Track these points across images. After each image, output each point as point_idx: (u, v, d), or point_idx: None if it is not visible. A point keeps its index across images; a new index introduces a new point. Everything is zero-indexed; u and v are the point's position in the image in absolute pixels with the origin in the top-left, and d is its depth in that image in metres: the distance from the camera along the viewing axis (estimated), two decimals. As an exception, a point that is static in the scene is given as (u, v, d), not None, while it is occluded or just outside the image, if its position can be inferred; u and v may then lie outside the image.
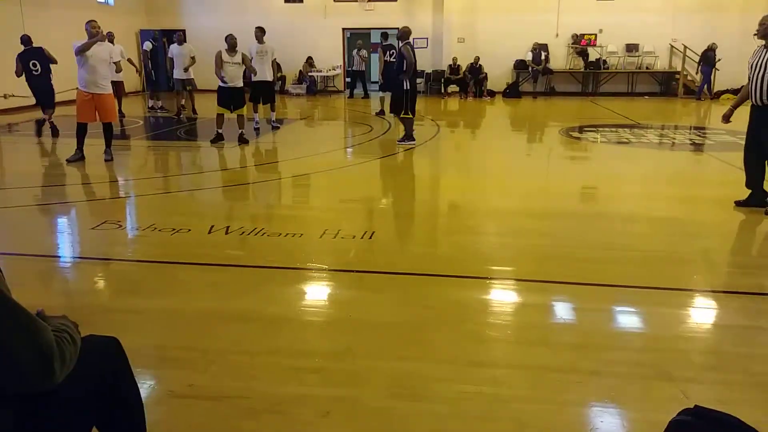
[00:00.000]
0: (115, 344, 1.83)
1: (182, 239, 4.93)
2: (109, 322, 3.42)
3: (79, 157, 7.98)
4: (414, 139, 9.63)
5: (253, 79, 10.59)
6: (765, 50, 5.54)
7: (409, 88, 9.35)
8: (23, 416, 1.45)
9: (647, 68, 18.30)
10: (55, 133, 10.35)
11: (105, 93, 7.88)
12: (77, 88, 7.91)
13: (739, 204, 5.87)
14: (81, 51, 7.57)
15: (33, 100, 10.94)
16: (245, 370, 2.85)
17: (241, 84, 9.64)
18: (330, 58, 19.49)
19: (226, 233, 5.02)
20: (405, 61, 9.13)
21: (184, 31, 14.52)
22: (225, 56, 9.46)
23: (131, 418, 1.85)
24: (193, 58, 12.66)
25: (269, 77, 10.96)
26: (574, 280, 4.04)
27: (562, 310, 3.66)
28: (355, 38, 18.55)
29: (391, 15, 18.43)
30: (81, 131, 8.02)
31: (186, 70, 12.63)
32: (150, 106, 14.33)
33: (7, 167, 8.62)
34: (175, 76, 12.75)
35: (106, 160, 8.03)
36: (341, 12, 18.47)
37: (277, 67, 11.14)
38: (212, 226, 5.20)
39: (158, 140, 10.74)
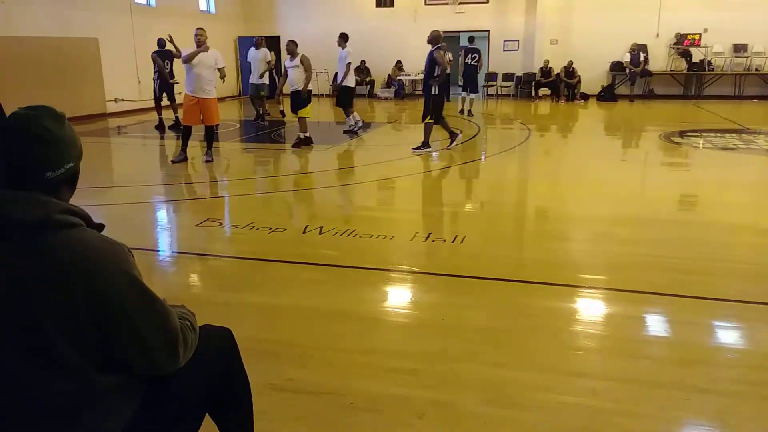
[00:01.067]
0: (229, 335, 1.92)
1: (279, 238, 5.11)
2: (211, 314, 3.56)
3: (182, 158, 8.44)
4: (430, 146, 9.19)
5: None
6: None
7: (437, 93, 9.01)
8: (146, 401, 1.55)
9: (756, 70, 17.11)
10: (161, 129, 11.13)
11: (209, 98, 8.27)
12: (184, 93, 8.36)
13: None
14: (187, 60, 8.00)
15: (143, 103, 11.73)
16: (342, 368, 2.92)
17: (299, 87, 9.60)
18: (419, 62, 19.50)
19: (320, 233, 5.15)
20: (437, 67, 8.79)
21: (264, 37, 14.12)
22: (286, 62, 9.75)
23: (241, 406, 1.94)
24: (269, 62, 12.56)
25: (350, 83, 11.03)
26: (675, 291, 3.84)
27: (663, 323, 3.49)
28: (445, 41, 18.48)
29: (483, 17, 18.27)
30: (186, 133, 8.47)
31: (261, 75, 12.42)
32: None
33: (116, 167, 9.26)
34: (250, 81, 12.74)
35: (206, 161, 8.44)
36: (431, 15, 18.50)
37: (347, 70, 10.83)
38: (306, 226, 5.35)
39: (252, 143, 11.17)
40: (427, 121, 9.10)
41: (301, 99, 9.58)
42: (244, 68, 15.40)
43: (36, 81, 11.61)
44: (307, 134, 9.72)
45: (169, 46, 10.75)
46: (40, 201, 1.37)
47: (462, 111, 14.16)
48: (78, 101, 12.50)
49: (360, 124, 11.27)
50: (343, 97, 11.03)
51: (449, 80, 9.34)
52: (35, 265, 1.34)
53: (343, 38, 10.85)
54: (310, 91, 9.81)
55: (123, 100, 14.09)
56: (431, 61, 8.86)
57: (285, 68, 9.88)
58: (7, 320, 1.34)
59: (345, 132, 11.09)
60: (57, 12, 12.60)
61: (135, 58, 14.80)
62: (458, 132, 9.53)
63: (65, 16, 12.78)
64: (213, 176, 7.97)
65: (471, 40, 14.97)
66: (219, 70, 8.21)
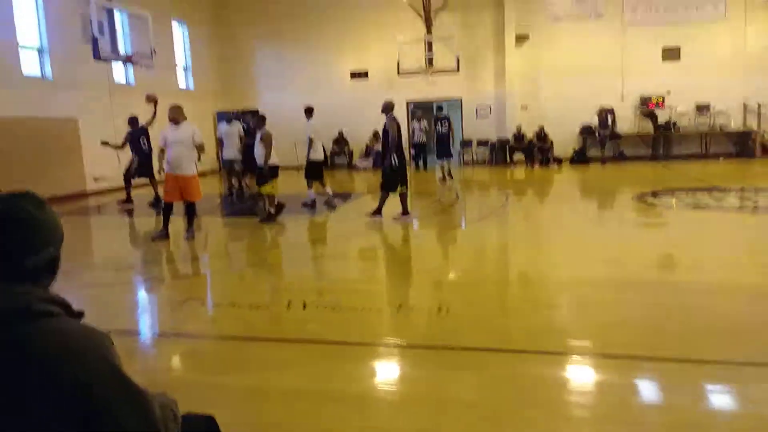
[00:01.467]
0: (212, 422, 1.86)
1: (262, 315, 5.04)
2: (194, 399, 3.47)
3: (163, 235, 8.33)
4: (380, 215, 9.11)
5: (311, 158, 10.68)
6: None
7: (397, 163, 8.91)
8: None
9: (720, 129, 17.80)
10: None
11: (188, 175, 8.21)
12: (164, 171, 8.32)
13: None
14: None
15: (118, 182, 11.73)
16: (332, 453, 2.83)
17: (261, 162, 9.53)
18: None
19: (304, 308, 5.09)
20: (389, 136, 8.78)
21: (238, 111, 14.12)
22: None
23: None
24: (241, 137, 12.42)
25: (316, 156, 10.85)
26: (661, 355, 3.84)
27: (653, 388, 3.47)
28: (418, 111, 19.03)
29: (455, 85, 18.89)
30: (167, 210, 8.37)
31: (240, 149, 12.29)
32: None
33: (96, 246, 9.15)
34: (224, 156, 12.57)
35: (186, 238, 8.33)
36: (405, 85, 19.07)
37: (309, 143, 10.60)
38: (290, 301, 5.29)
39: (233, 217, 11.16)
40: (400, 191, 9.03)
41: (263, 175, 9.46)
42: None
43: (16, 161, 11.59)
44: (272, 210, 9.55)
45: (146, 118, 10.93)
46: (18, 291, 1.35)
47: (443, 178, 14.42)
48: (58, 181, 12.47)
49: (329, 196, 10.93)
50: (308, 170, 10.89)
51: (401, 148, 9.06)
52: (14, 357, 1.29)
53: (307, 112, 10.78)
54: (275, 167, 9.61)
55: (103, 178, 14.08)
56: (384, 131, 8.93)
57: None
58: None
59: (303, 205, 10.76)
60: (37, 93, 12.75)
61: (115, 136, 14.88)
62: (380, 215, 9.20)
63: (45, 96, 12.93)
64: (194, 253, 7.91)
65: (440, 108, 15.51)
66: (197, 146, 8.19)
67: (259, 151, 9.53)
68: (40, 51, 13.32)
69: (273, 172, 9.54)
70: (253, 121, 9.86)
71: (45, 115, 12.74)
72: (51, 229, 1.45)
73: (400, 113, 19.68)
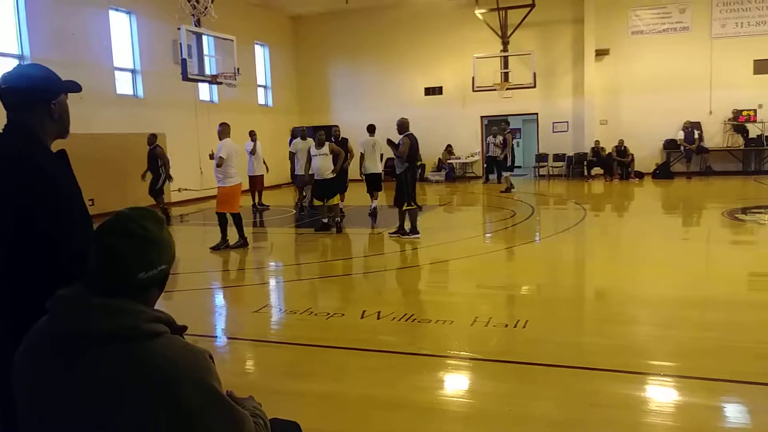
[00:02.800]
0: (298, 429, 1.90)
1: (337, 323, 5.11)
2: (271, 403, 3.56)
3: (219, 245, 8.60)
4: (406, 232, 8.99)
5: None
6: None
7: (407, 179, 8.83)
8: None
9: (816, 143, 16.61)
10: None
11: (219, 186, 8.58)
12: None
13: None
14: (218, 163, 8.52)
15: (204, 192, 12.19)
16: (405, 461, 2.82)
17: (330, 175, 9.80)
18: (468, 145, 19.92)
19: (378, 318, 5.12)
20: (399, 153, 8.80)
21: (306, 127, 14.14)
22: (313, 150, 9.99)
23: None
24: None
25: (372, 169, 11.43)
26: (747, 378, 3.60)
27: (742, 413, 3.27)
28: (492, 125, 18.83)
29: (531, 100, 18.58)
30: (222, 221, 8.66)
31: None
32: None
33: (178, 254, 9.56)
34: (296, 171, 12.67)
35: (221, 248, 8.56)
36: (479, 100, 18.94)
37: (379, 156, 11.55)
38: (364, 311, 5.34)
39: (305, 227, 11.39)
40: (406, 208, 8.93)
41: (328, 187, 9.87)
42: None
43: (109, 174, 12.34)
44: (331, 221, 9.90)
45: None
46: (127, 310, 1.40)
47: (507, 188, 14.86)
48: (144, 191, 13.17)
49: (372, 208, 11.45)
50: (369, 182, 11.50)
51: (413, 166, 9.02)
52: (118, 378, 1.35)
53: (369, 129, 11.42)
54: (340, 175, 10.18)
55: (186, 189, 14.75)
56: (395, 149, 8.91)
57: (310, 155, 10.16)
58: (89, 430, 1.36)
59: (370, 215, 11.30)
60: (129, 111, 13.59)
61: (198, 150, 15.63)
62: (407, 232, 9.05)
63: (136, 114, 13.75)
64: (268, 262, 8.13)
65: (507, 122, 15.84)
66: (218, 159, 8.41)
67: (323, 163, 9.79)
68: (134, 72, 14.19)
69: (339, 183, 10.01)
70: (318, 136, 10.03)
71: (135, 131, 13.52)
72: (166, 247, 1.51)
73: (474, 128, 19.68)
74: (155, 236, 1.47)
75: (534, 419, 3.22)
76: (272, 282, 7.23)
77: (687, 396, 3.51)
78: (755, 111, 16.98)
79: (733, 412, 3.29)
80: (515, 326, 4.79)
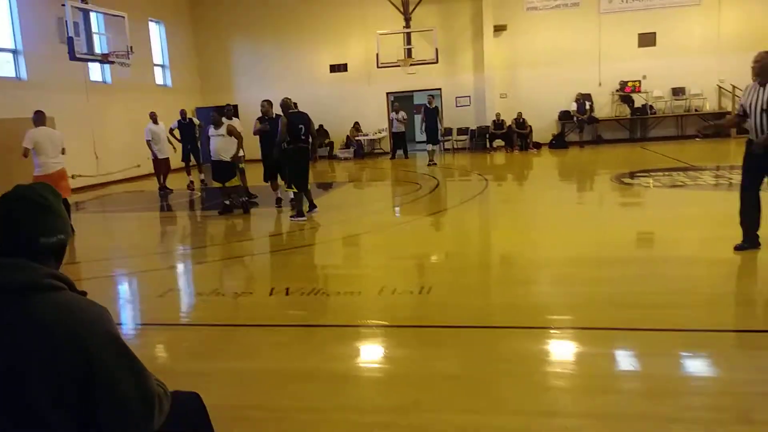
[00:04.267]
0: (198, 399, 1.92)
1: (245, 302, 5.08)
2: (180, 384, 3.51)
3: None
4: (304, 216, 8.68)
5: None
6: (761, 89, 5.31)
7: (286, 160, 8.69)
8: None
9: (696, 110, 18.05)
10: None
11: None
12: None
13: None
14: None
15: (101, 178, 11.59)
16: (316, 427, 2.89)
17: (227, 157, 9.39)
18: (375, 122, 20.05)
19: (287, 294, 5.13)
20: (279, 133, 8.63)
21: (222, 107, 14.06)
22: (210, 130, 9.58)
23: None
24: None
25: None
26: (638, 326, 3.95)
27: (629, 358, 3.57)
28: (398, 101, 19.09)
29: (434, 76, 18.92)
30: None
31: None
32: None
33: (78, 242, 9.09)
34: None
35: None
36: (384, 76, 19.06)
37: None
38: (272, 288, 5.34)
39: (211, 210, 11.13)
40: (288, 189, 8.91)
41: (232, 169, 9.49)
42: (203, 139, 15.46)
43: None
44: (243, 198, 9.77)
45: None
46: (27, 266, 1.47)
47: (430, 162, 15.21)
48: (26, 180, 12.36)
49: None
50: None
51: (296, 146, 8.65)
52: (21, 326, 1.40)
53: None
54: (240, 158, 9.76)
55: (81, 176, 13.95)
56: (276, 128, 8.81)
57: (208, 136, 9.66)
58: None
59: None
60: (11, 94, 12.58)
61: (92, 134, 14.79)
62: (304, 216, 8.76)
63: (19, 96, 12.76)
64: (173, 246, 7.91)
65: (430, 97, 15.93)
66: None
67: (221, 143, 9.40)
68: (15, 52, 13.14)
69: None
70: (215, 115, 9.62)
71: (20, 115, 12.58)
72: (63, 218, 1.60)
73: (381, 104, 19.81)
74: (54, 206, 1.57)
75: (435, 378, 3.38)
76: (178, 266, 7.04)
77: (582, 346, 3.78)
78: (640, 82, 18.21)
79: (625, 358, 3.58)
80: (420, 293, 4.96)
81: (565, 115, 18.51)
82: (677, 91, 18.13)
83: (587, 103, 18.07)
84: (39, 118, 8.46)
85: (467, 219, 8.73)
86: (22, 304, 1.42)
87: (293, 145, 8.57)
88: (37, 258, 1.51)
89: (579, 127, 18.17)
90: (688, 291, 4.64)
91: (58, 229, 1.57)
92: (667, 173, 11.37)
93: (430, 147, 15.78)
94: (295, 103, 9.38)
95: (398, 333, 4.19)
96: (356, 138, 19.64)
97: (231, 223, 9.11)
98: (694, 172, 11.19)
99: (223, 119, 9.59)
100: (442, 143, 18.66)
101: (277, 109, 9.32)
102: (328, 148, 19.71)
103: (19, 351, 1.39)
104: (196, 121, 13.48)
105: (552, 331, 4.02)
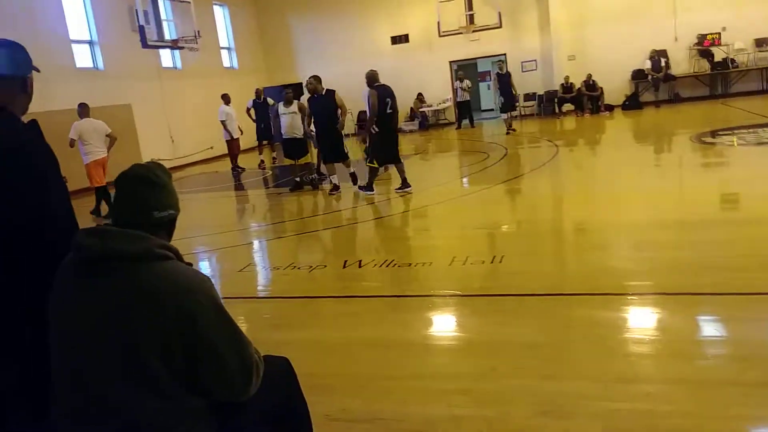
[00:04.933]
0: (287, 363, 2.02)
1: (320, 275, 5.22)
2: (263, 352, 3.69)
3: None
4: (373, 190, 8.68)
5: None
6: None
7: (377, 133, 8.44)
8: (223, 424, 1.67)
9: (783, 62, 16.81)
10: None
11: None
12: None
13: None
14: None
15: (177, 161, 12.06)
16: (395, 394, 2.96)
17: (299, 134, 9.65)
18: (439, 92, 19.83)
19: (360, 266, 5.23)
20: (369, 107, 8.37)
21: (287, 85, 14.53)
22: (281, 108, 9.71)
23: (302, 429, 2.02)
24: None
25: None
26: (723, 290, 3.79)
27: (714, 323, 3.45)
28: (462, 70, 18.78)
29: (498, 41, 18.47)
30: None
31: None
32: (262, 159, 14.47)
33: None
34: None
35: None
36: (446, 45, 18.77)
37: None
38: (346, 261, 5.44)
39: (277, 188, 11.39)
40: (368, 164, 8.73)
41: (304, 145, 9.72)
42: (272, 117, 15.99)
43: (74, 152, 12.11)
44: (313, 175, 9.90)
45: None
46: (142, 236, 1.60)
47: (508, 130, 14.71)
48: (116, 165, 13.00)
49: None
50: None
51: (389, 120, 8.53)
52: (134, 291, 1.53)
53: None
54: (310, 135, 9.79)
55: (159, 159, 14.60)
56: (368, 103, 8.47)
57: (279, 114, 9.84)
58: (112, 343, 1.52)
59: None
60: (91, 84, 13.22)
61: (166, 118, 15.39)
62: (373, 189, 8.77)
63: (98, 86, 13.40)
64: (250, 223, 8.17)
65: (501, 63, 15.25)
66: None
67: (292, 121, 9.58)
68: (91, 44, 13.79)
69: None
70: (288, 93, 9.80)
71: (100, 104, 13.24)
72: (173, 194, 1.77)
73: (443, 74, 19.53)
74: (166, 184, 1.74)
75: (511, 345, 3.38)
76: (255, 242, 7.28)
77: (661, 312, 3.67)
78: (719, 34, 17.07)
79: (708, 323, 3.46)
80: (491, 262, 4.94)
81: (638, 74, 17.65)
82: (761, 42, 16.89)
83: (662, 60, 17.13)
84: (83, 111, 9.14)
85: (538, 187, 8.56)
86: (135, 270, 1.55)
87: (380, 119, 8.41)
88: (152, 230, 1.65)
89: (654, 85, 17.29)
90: (778, 252, 4.40)
91: (170, 205, 1.72)
92: (752, 130, 10.70)
93: (506, 115, 15.09)
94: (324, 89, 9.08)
95: (471, 302, 4.20)
96: (420, 109, 19.50)
97: (302, 200, 9.32)
98: (782, 128, 10.49)
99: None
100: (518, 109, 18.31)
101: (328, 85, 9.18)
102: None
103: (133, 317, 1.51)
104: (270, 100, 13.64)
105: (630, 297, 3.92)
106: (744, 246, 4.65)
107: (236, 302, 4.90)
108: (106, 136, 9.20)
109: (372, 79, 8.53)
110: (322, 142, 9.32)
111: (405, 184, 8.59)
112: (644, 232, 5.40)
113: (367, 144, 8.95)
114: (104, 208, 9.27)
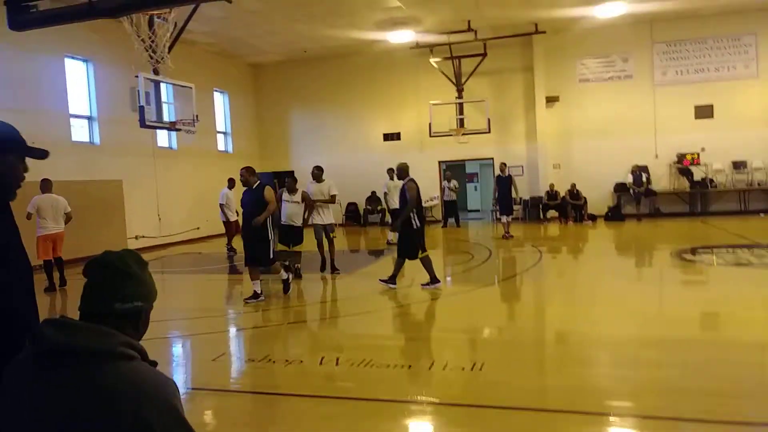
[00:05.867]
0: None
1: (296, 371, 5.06)
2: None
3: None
4: (395, 284, 8.42)
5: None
6: None
7: (419, 226, 8.37)
8: None
9: (759, 185, 17.47)
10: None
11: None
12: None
13: None
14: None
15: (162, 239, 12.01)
16: None
17: (299, 222, 9.61)
18: (427, 190, 20.19)
19: (336, 364, 5.09)
20: (407, 200, 8.28)
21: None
22: (285, 195, 9.72)
23: None
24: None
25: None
26: (705, 417, 3.71)
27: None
28: (450, 170, 19.29)
29: (486, 145, 19.08)
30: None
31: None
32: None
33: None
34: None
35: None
36: (437, 145, 19.35)
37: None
38: (323, 357, 5.31)
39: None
40: (420, 256, 8.38)
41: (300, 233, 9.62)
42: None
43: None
44: (298, 264, 9.73)
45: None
46: (106, 332, 1.52)
47: (506, 234, 14.29)
48: (100, 239, 12.84)
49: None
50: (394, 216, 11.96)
51: (420, 211, 8.49)
52: (90, 393, 1.45)
53: (389, 172, 11.24)
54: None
55: (144, 236, 14.52)
56: (402, 195, 8.51)
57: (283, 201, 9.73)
58: None
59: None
60: (85, 157, 13.38)
61: (156, 196, 15.46)
62: (394, 284, 8.50)
63: (92, 161, 13.56)
64: (230, 308, 8.01)
65: (503, 166, 15.02)
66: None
67: (294, 209, 9.64)
68: (90, 119, 14.06)
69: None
70: (290, 181, 9.90)
71: (91, 177, 13.33)
72: (144, 287, 1.66)
73: (432, 173, 20.03)
74: (133, 272, 1.64)
75: (491, 463, 3.25)
76: (232, 330, 7.12)
77: (640, 434, 3.59)
78: (698, 154, 17.82)
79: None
80: (472, 369, 4.83)
81: (620, 187, 18.22)
82: (738, 165, 17.63)
83: (644, 175, 17.76)
84: (45, 186, 9.41)
85: (521, 292, 8.57)
86: (95, 368, 1.47)
87: (417, 211, 8.28)
88: (116, 323, 1.57)
89: (636, 199, 17.82)
90: (760, 380, 4.36)
91: (136, 296, 1.63)
92: (731, 250, 10.94)
93: (504, 218, 14.44)
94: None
95: (449, 412, 4.07)
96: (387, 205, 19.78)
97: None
98: (760, 250, 10.72)
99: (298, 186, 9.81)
100: (493, 213, 18.59)
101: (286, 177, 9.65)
102: (380, 215, 19.91)
103: (84, 419, 1.43)
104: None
105: (612, 418, 3.83)
106: (726, 370, 4.61)
107: (205, 394, 4.72)
108: (65, 213, 9.49)
109: (406, 171, 8.56)
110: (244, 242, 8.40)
111: (434, 279, 8.32)
112: (626, 348, 5.36)
113: (400, 237, 8.59)
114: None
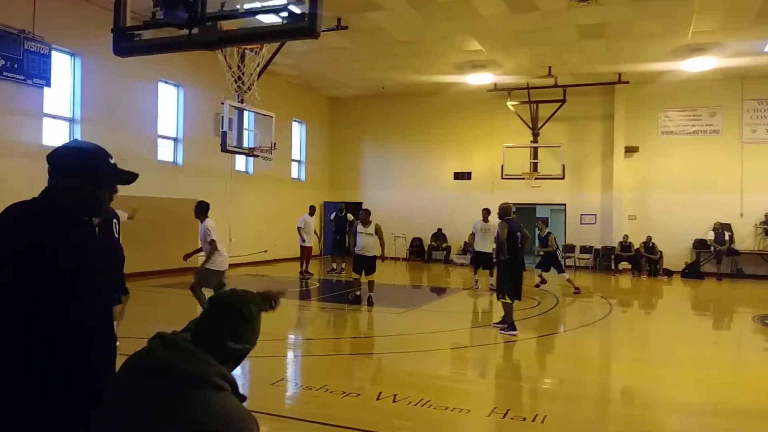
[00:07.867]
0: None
1: (352, 403, 5.03)
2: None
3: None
4: (515, 330, 8.11)
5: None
6: None
7: (509, 268, 8.21)
8: None
9: None
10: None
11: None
12: None
13: None
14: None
15: (232, 260, 12.37)
16: None
17: (372, 253, 10.25)
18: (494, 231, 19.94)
19: (393, 401, 5.03)
20: (499, 240, 8.27)
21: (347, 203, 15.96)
22: (359, 227, 10.35)
23: None
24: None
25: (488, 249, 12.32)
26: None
27: None
28: (521, 213, 18.94)
29: (559, 191, 18.72)
30: None
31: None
32: (332, 268, 15.86)
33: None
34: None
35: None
36: (508, 187, 19.11)
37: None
38: (380, 393, 5.26)
39: (329, 302, 11.39)
40: (501, 300, 8.28)
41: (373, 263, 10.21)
42: (327, 230, 16.98)
43: (148, 235, 12.64)
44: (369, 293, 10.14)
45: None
46: (206, 360, 1.62)
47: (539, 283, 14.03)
48: (178, 254, 13.43)
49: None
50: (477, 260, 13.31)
51: (520, 255, 8.28)
52: (176, 414, 1.53)
53: (368, 213, 10.75)
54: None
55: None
56: (511, 234, 8.25)
57: (356, 232, 10.43)
58: None
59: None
60: (169, 177, 14.08)
61: (228, 218, 15.97)
62: (515, 329, 8.21)
63: (175, 180, 14.23)
64: (295, 333, 8.10)
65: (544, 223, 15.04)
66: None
67: (369, 240, 10.15)
68: (176, 140, 14.82)
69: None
70: (364, 214, 10.55)
71: (174, 196, 13.97)
72: (257, 332, 1.79)
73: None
74: (253, 318, 1.77)
75: None
76: (292, 355, 7.18)
77: None
78: (788, 216, 16.81)
79: None
80: (533, 420, 4.66)
81: (700, 244, 17.36)
82: (830, 229, 16.51)
83: (727, 234, 16.88)
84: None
85: (587, 344, 8.24)
86: (185, 393, 1.55)
87: (510, 252, 8.15)
88: (220, 357, 1.67)
89: (717, 257, 16.90)
90: None
91: (248, 340, 1.75)
92: (821, 320, 10.16)
93: (566, 275, 13.87)
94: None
95: (507, 462, 3.93)
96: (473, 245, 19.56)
97: (349, 316, 9.24)
98: None
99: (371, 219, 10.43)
100: (563, 259, 18.09)
101: (387, 208, 10.06)
102: (445, 252, 19.79)
103: None
104: (349, 216, 14.80)
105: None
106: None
107: (261, 418, 4.74)
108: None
109: (506, 211, 8.45)
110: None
111: (512, 326, 8.12)
112: (697, 416, 5.03)
113: (505, 278, 8.40)
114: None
